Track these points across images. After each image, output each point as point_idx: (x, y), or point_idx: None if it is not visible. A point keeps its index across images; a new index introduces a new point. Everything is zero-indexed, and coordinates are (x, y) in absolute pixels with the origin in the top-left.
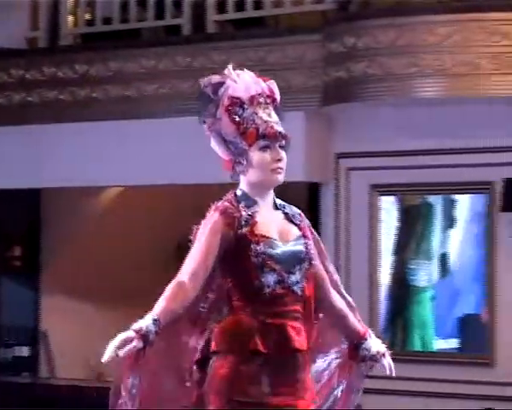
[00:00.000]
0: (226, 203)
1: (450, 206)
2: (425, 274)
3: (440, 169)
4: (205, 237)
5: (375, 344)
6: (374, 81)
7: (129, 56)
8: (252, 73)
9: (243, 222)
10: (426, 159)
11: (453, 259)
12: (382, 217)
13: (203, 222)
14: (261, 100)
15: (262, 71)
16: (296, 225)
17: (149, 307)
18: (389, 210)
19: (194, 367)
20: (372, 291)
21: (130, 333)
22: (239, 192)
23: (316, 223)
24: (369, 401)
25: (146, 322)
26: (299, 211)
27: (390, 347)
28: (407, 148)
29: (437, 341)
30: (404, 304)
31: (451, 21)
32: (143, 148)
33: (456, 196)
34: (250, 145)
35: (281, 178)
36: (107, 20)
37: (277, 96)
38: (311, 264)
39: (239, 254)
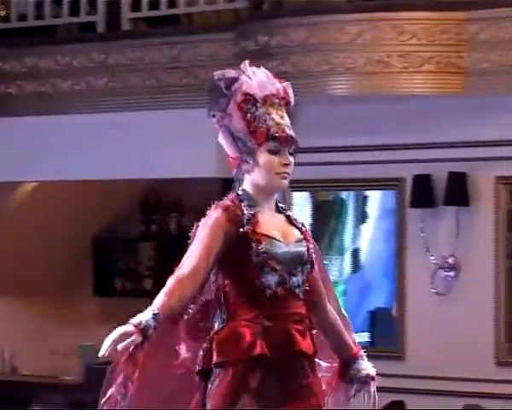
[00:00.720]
0: (228, 202)
1: (361, 202)
2: (337, 269)
3: (352, 165)
4: (206, 232)
5: (366, 366)
6: (287, 79)
7: (44, 53)
8: (268, 72)
9: (245, 220)
10: (338, 155)
11: (364, 254)
12: (295, 213)
13: (203, 220)
14: (275, 100)
15: (175, 68)
16: (298, 228)
17: (63, 303)
18: (302, 206)
19: (197, 378)
20: None
21: (129, 327)
22: (241, 192)
23: None
24: None
25: (146, 316)
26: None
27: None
28: (319, 144)
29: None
30: None
31: (362, 20)
32: (58, 143)
33: (368, 192)
34: (259, 145)
35: (286, 183)
36: (22, 17)
37: (291, 100)
38: (312, 267)
39: (239, 253)
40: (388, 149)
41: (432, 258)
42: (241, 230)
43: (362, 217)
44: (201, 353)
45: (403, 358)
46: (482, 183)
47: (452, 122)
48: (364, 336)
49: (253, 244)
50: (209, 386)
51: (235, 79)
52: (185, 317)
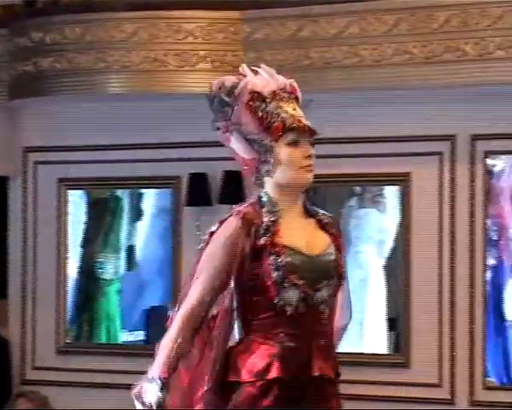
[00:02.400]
0: (248, 208)
1: (137, 200)
2: (112, 267)
3: (128, 164)
4: (220, 253)
5: None
6: (62, 76)
7: None
8: (270, 69)
9: (262, 230)
10: (114, 153)
11: (140, 252)
12: (71, 210)
13: (220, 229)
14: (284, 95)
15: None
16: (330, 234)
17: None
18: (78, 204)
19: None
20: (60, 284)
21: None
22: (264, 196)
23: (4, 217)
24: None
25: (154, 395)
26: (334, 218)
27: (76, 339)
28: (96, 142)
29: (123, 333)
30: (92, 297)
31: (138, 19)
32: None
33: (144, 191)
34: (276, 140)
35: (311, 176)
36: None
37: (299, 95)
38: (340, 280)
39: (257, 266)
40: (164, 148)
41: None
42: (258, 242)
43: (137, 215)
44: (214, 365)
45: None
46: None
47: None
48: (140, 335)
49: (272, 257)
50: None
51: (236, 84)
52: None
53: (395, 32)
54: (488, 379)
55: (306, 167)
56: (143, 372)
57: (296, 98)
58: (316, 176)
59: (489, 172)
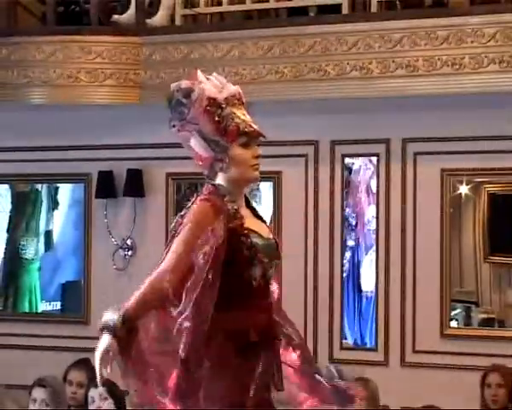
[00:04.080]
0: (213, 196)
1: (54, 192)
2: (33, 249)
3: (47, 162)
4: (194, 231)
5: None
6: None
7: None
8: (220, 77)
9: (231, 215)
10: (35, 154)
11: (57, 236)
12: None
13: (190, 213)
14: (235, 101)
15: None
16: (263, 221)
17: None
18: (4, 196)
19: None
20: None
21: (103, 343)
22: (221, 188)
23: None
24: None
25: (113, 317)
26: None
27: (3, 309)
28: (19, 144)
29: (42, 303)
30: (16, 273)
31: (55, 42)
32: None
33: (60, 185)
34: (231, 142)
35: (258, 174)
36: None
37: (244, 100)
38: (280, 259)
39: (229, 247)
40: (77, 149)
41: (113, 240)
42: (231, 224)
43: (54, 205)
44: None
45: (88, 323)
46: (155, 178)
47: (131, 127)
48: (57, 305)
49: (243, 238)
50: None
51: (191, 89)
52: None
53: (269, 55)
54: (345, 341)
55: (255, 166)
56: (60, 336)
57: (242, 103)
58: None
59: (348, 170)
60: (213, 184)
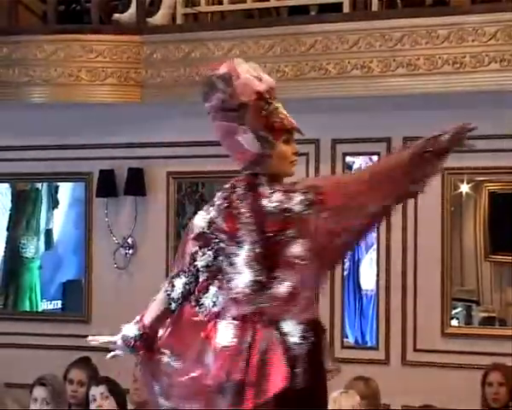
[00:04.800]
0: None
1: (54, 191)
2: (33, 247)
3: (47, 161)
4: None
5: None
6: None
7: None
8: (256, 65)
9: None
10: (35, 153)
11: (57, 235)
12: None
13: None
14: (274, 94)
15: None
16: None
17: None
18: (4, 194)
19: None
20: None
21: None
22: (264, 181)
23: None
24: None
25: (132, 331)
26: None
27: (4, 307)
28: (20, 143)
29: (43, 302)
30: (16, 272)
31: (57, 41)
32: None
33: (61, 184)
34: (277, 139)
35: (294, 169)
36: None
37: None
38: None
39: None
40: (78, 148)
41: (114, 238)
42: None
43: (55, 204)
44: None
45: (89, 321)
46: (156, 177)
47: (132, 126)
48: (58, 304)
49: None
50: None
51: (233, 77)
52: None
53: (270, 53)
54: (346, 340)
55: (294, 162)
56: (61, 335)
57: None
58: (205, 172)
59: (349, 169)
60: (255, 175)
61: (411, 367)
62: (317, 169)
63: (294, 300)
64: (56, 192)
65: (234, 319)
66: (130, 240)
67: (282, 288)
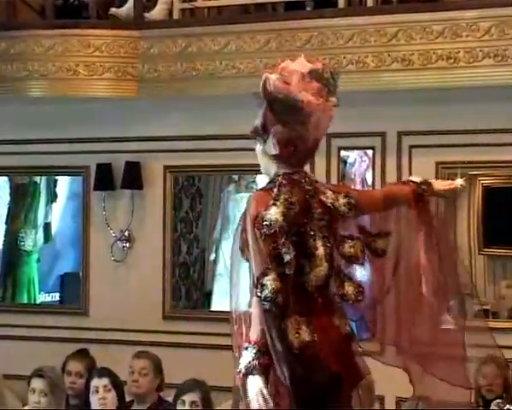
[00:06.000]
0: None
1: (53, 185)
2: (31, 240)
3: (45, 155)
4: None
5: None
6: None
7: None
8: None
9: None
10: (34, 146)
11: (55, 228)
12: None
13: None
14: None
15: None
16: None
17: None
18: (2, 188)
19: None
20: None
21: (256, 386)
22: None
23: None
24: None
25: (248, 358)
26: None
27: (2, 300)
28: (18, 137)
29: (41, 295)
30: (15, 265)
31: (54, 35)
32: None
33: (59, 177)
34: None
35: None
36: None
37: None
38: None
39: None
40: (76, 142)
41: (111, 232)
42: None
43: (53, 197)
44: None
45: (87, 314)
46: (153, 170)
47: (129, 120)
48: (56, 296)
49: None
50: None
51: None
52: None
53: (266, 48)
54: None
55: None
56: (59, 327)
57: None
58: (201, 166)
59: (343, 163)
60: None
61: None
62: (312, 163)
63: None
64: (55, 186)
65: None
66: (127, 233)
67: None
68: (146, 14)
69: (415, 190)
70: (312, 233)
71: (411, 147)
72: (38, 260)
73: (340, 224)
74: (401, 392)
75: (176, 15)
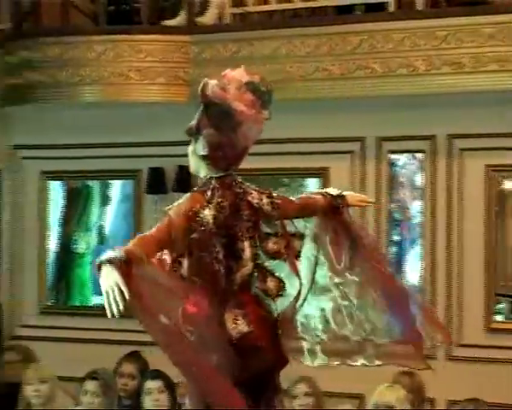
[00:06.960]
0: None
1: (105, 188)
2: (84, 243)
3: (98, 159)
4: None
5: None
6: (44, 87)
7: None
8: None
9: None
10: (87, 151)
11: (108, 230)
12: (51, 197)
13: None
14: None
15: None
16: None
17: None
18: (57, 192)
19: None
20: (42, 256)
21: (111, 275)
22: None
23: None
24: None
25: (115, 253)
26: None
27: (56, 302)
28: (72, 142)
29: (94, 297)
30: (68, 267)
31: (106, 41)
32: None
33: (112, 181)
34: None
35: None
36: None
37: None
38: None
39: None
40: (128, 146)
41: None
42: None
43: (106, 201)
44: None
45: None
46: None
47: (181, 124)
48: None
49: None
50: None
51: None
52: None
53: (316, 53)
54: None
55: None
56: (111, 329)
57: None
58: (252, 169)
59: (392, 166)
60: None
61: (456, 362)
62: (361, 166)
63: None
64: (108, 189)
65: None
66: None
67: None
68: (197, 19)
69: (330, 202)
70: (240, 234)
71: (461, 150)
72: (91, 263)
73: (264, 222)
74: (452, 396)
75: (227, 20)
